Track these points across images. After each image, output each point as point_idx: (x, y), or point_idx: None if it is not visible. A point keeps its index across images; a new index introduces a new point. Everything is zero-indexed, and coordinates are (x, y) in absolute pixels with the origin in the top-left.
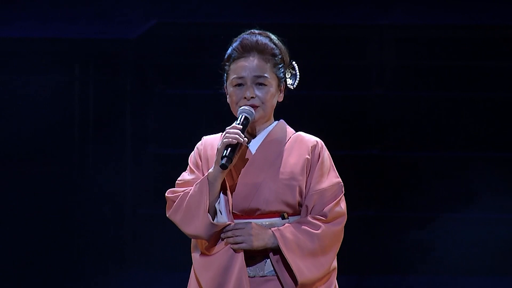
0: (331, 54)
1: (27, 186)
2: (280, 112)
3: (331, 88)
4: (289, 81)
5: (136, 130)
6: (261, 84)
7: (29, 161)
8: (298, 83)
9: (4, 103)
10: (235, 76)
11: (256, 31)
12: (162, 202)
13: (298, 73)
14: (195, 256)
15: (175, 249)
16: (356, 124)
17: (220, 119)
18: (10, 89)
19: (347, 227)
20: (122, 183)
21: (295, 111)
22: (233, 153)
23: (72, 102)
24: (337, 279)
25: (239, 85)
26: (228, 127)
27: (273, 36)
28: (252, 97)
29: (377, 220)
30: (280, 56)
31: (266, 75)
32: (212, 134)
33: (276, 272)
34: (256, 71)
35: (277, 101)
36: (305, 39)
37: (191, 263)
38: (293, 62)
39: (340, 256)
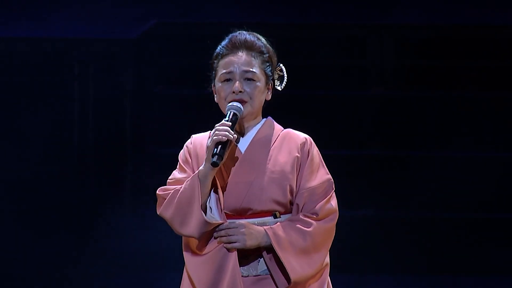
0: (330, 54)
1: (25, 186)
2: (279, 112)
3: (330, 88)
4: (276, 83)
5: (135, 130)
6: (249, 79)
7: (28, 160)
8: (294, 84)
9: (4, 104)
10: (223, 71)
11: (245, 32)
12: None
13: (285, 75)
14: (187, 255)
15: (175, 249)
16: (355, 124)
17: (219, 118)
18: (10, 89)
19: (346, 226)
20: (121, 183)
21: (294, 110)
22: (224, 150)
23: (72, 102)
24: (336, 278)
25: (228, 80)
26: (217, 124)
27: (261, 37)
28: (240, 91)
29: (376, 220)
30: (267, 55)
31: (254, 70)
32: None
33: (269, 271)
34: (245, 65)
35: (266, 100)
36: (305, 39)
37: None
38: (281, 65)
39: (339, 256)
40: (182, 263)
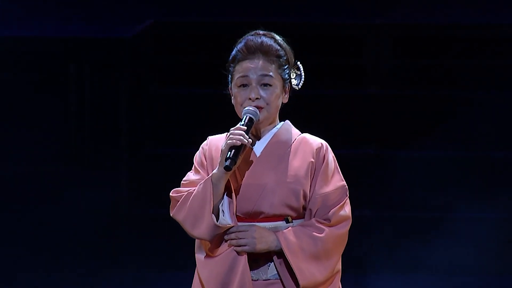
0: (327, 53)
1: (22, 185)
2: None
3: (327, 87)
4: (294, 82)
5: (132, 129)
6: (266, 84)
7: (24, 160)
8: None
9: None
10: (239, 77)
11: (261, 32)
12: (158, 201)
13: (303, 73)
14: (199, 257)
15: (171, 249)
16: (352, 123)
17: (216, 118)
18: (6, 88)
19: None
20: (118, 183)
21: (291, 109)
22: (237, 155)
23: (68, 101)
24: None
25: (244, 86)
26: (233, 128)
27: (277, 37)
28: (257, 98)
29: (373, 220)
30: (285, 57)
31: (271, 75)
32: (210, 134)
33: (279, 276)
34: (261, 71)
35: (282, 102)
36: (301, 38)
37: (188, 263)
38: (298, 62)
39: None
40: (181, 262)
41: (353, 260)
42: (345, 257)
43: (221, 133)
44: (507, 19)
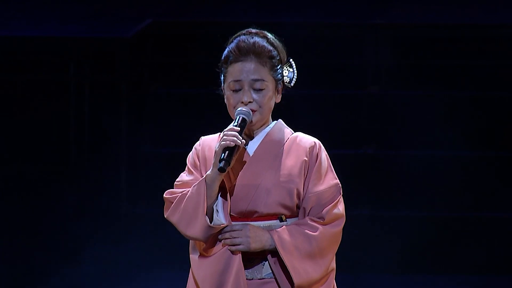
0: (326, 53)
1: (21, 186)
2: (275, 111)
3: (326, 87)
4: (286, 79)
5: (131, 129)
6: (258, 88)
7: (24, 160)
8: (295, 81)
9: None
10: (232, 79)
11: (253, 31)
12: (157, 201)
13: (295, 71)
14: (193, 257)
15: (170, 249)
16: (351, 123)
17: (215, 118)
18: (5, 88)
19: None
20: (117, 183)
21: (290, 109)
22: (231, 156)
23: (67, 101)
24: None
25: (236, 89)
26: (226, 129)
27: (270, 36)
28: (249, 102)
29: (372, 219)
30: (277, 58)
31: (263, 78)
32: (209, 134)
33: (274, 275)
34: (253, 75)
35: (275, 102)
36: (301, 38)
37: (186, 263)
38: (291, 60)
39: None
40: (180, 262)
41: (350, 259)
42: (342, 256)
43: (214, 133)
44: (507, 19)
